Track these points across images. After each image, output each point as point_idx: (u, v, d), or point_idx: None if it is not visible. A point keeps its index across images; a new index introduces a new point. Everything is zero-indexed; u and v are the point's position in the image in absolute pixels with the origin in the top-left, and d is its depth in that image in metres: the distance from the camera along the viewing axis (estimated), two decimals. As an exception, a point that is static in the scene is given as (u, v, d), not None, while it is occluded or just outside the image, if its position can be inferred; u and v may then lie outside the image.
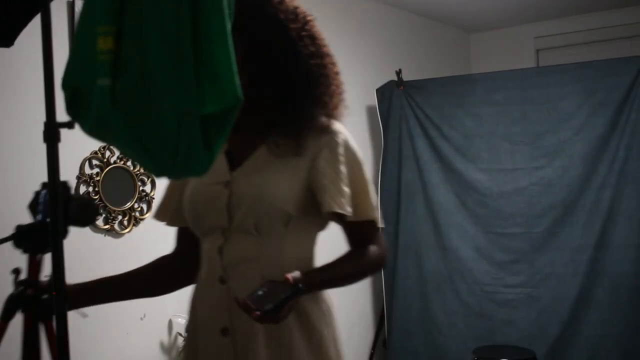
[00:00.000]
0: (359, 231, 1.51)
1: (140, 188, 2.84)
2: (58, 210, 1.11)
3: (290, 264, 1.43)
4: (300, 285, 1.32)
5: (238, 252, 1.45)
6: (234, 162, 1.49)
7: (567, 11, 4.55)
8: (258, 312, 1.26)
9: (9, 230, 2.31)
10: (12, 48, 1.55)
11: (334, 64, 1.53)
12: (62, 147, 1.13)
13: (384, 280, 4.02)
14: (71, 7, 2.58)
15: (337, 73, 1.54)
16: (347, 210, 1.44)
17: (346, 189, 1.45)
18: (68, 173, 2.59)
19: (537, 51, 4.86)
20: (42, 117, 1.11)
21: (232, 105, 1.03)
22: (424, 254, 3.92)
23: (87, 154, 2.66)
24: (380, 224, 1.53)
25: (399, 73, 4.05)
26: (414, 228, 3.96)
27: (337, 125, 1.51)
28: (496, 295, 3.73)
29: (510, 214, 3.71)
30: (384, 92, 4.05)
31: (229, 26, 1.04)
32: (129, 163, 2.80)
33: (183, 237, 1.65)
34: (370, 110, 4.15)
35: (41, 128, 1.11)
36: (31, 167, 2.39)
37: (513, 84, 3.75)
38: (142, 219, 2.85)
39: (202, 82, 1.02)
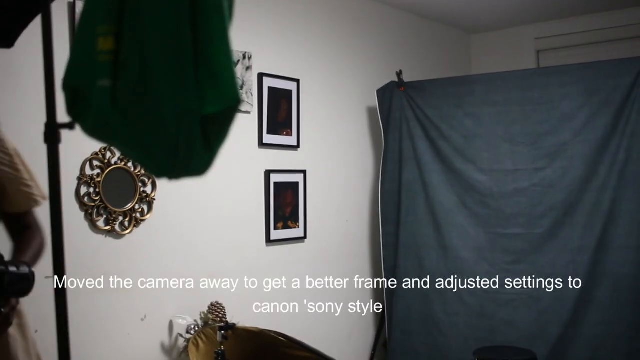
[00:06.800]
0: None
1: (141, 189, 2.84)
2: (59, 209, 1.11)
3: None
4: None
5: None
6: None
7: (568, 12, 4.55)
8: None
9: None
10: (13, 49, 1.55)
11: None
12: (62, 148, 1.13)
13: (384, 280, 4.02)
14: (72, 8, 2.59)
15: None
16: None
17: None
18: (68, 174, 2.59)
19: (538, 52, 4.85)
20: (42, 117, 1.12)
21: (231, 105, 1.04)
22: (424, 255, 3.92)
23: (87, 155, 2.66)
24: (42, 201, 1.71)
25: (399, 74, 4.05)
26: (414, 228, 3.96)
27: None
28: (497, 296, 3.72)
29: (511, 214, 3.70)
30: (384, 93, 4.05)
31: (228, 26, 1.04)
32: (129, 164, 2.80)
33: None
34: (370, 111, 4.15)
35: (42, 129, 1.11)
36: (32, 168, 2.39)
37: (513, 84, 3.74)
38: (142, 220, 2.85)
39: (202, 82, 1.02)
